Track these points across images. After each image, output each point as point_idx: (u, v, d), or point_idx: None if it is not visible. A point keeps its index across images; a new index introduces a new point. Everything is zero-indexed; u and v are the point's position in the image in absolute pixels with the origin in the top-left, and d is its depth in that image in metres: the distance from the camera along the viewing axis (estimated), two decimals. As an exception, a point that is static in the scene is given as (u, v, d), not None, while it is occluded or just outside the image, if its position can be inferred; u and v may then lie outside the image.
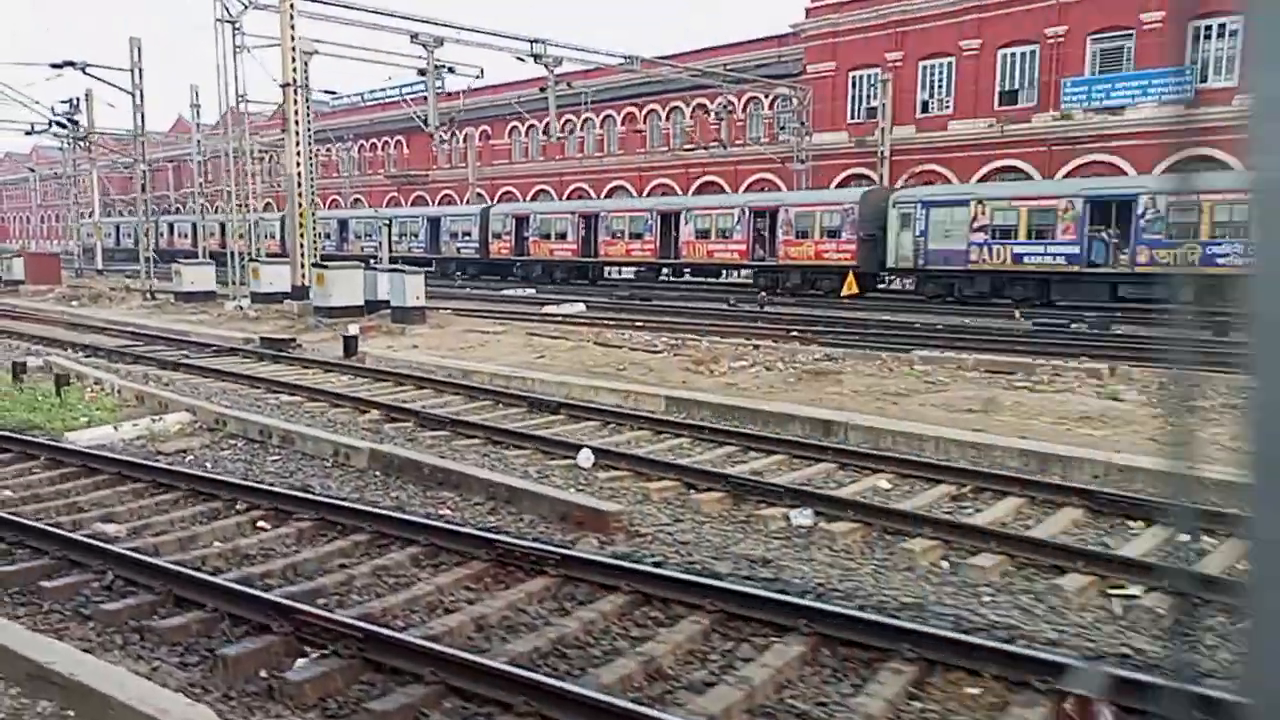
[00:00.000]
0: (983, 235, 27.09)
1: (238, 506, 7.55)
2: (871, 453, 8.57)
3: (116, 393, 12.49)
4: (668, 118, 48.58)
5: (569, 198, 51.49)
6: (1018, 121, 35.00)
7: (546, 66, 30.53)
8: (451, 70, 27.52)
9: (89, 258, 50.34)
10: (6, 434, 10.01)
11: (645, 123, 49.31)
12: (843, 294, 28.77)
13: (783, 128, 42.31)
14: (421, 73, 27.77)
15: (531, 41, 29.75)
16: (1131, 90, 32.01)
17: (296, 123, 21.43)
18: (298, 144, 21.52)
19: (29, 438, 9.85)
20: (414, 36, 27.24)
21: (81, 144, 45.23)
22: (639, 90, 46.31)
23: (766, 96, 43.34)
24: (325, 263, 21.57)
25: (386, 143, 65.54)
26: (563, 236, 39.80)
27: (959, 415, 9.99)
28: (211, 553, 6.46)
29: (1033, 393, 11.30)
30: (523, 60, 28.93)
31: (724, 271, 37.16)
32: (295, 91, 21.40)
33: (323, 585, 5.83)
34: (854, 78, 40.12)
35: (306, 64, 23.29)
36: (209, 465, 9.07)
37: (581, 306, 25.10)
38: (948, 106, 37.25)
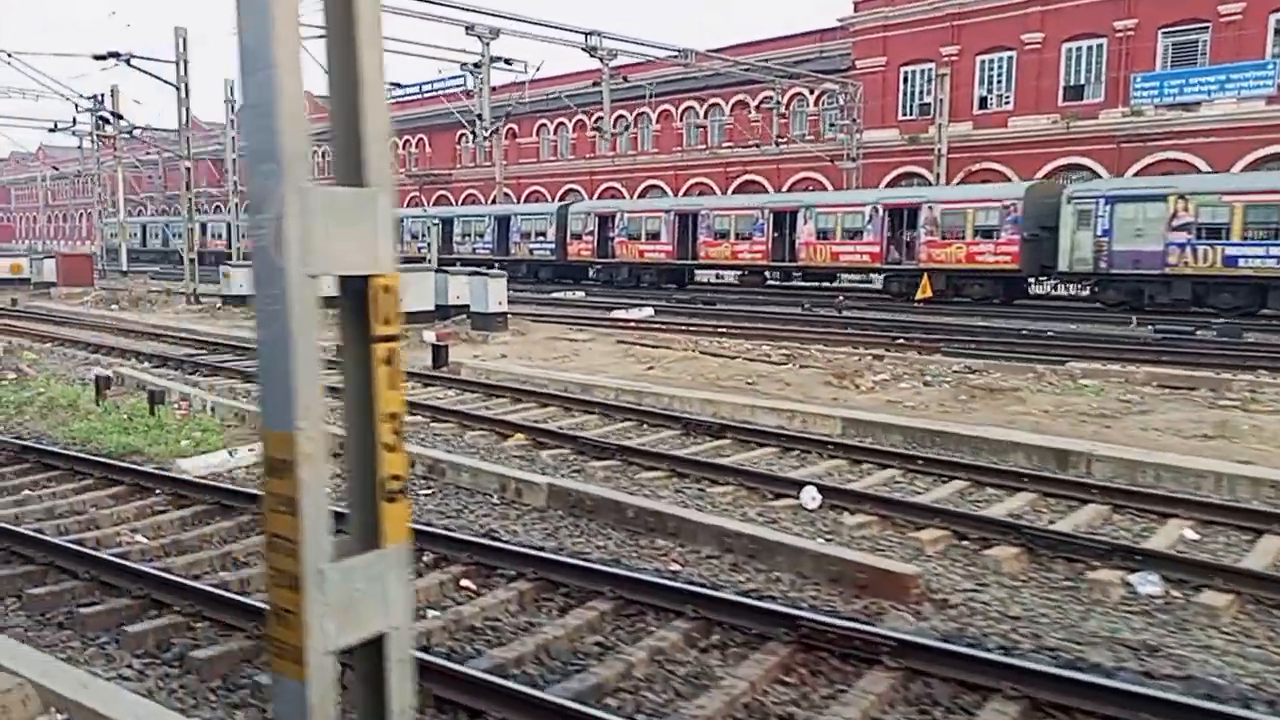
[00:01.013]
0: (1185, 235, 23.86)
1: (424, 559, 6.36)
2: (1139, 490, 7.37)
3: (210, 410, 11.30)
4: (705, 115, 47.29)
5: (599, 196, 50.19)
6: (1084, 118, 33.73)
7: (601, 60, 29.34)
8: (509, 63, 26.36)
9: (112, 258, 49.14)
10: (108, 461, 8.86)
11: (682, 120, 48.01)
12: (917, 298, 27.47)
13: (832, 125, 41.02)
14: (476, 66, 26.60)
15: (586, 34, 28.58)
16: (1208, 85, 30.77)
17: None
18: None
19: (134, 465, 8.70)
20: (469, 28, 26.11)
21: (106, 140, 44.11)
22: (676, 87, 45.00)
23: (811, 93, 42.08)
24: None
25: (408, 141, 64.29)
26: (655, 236, 36.99)
27: (1197, 442, 8.79)
28: (434, 626, 5.26)
29: (1246, 412, 10.10)
30: (589, 53, 27.73)
31: (840, 276, 34.41)
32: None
33: (603, 679, 4.63)
34: (905, 73, 38.87)
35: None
36: (356, 501, 7.87)
37: (650, 311, 23.94)
38: (1008, 102, 36.00)
